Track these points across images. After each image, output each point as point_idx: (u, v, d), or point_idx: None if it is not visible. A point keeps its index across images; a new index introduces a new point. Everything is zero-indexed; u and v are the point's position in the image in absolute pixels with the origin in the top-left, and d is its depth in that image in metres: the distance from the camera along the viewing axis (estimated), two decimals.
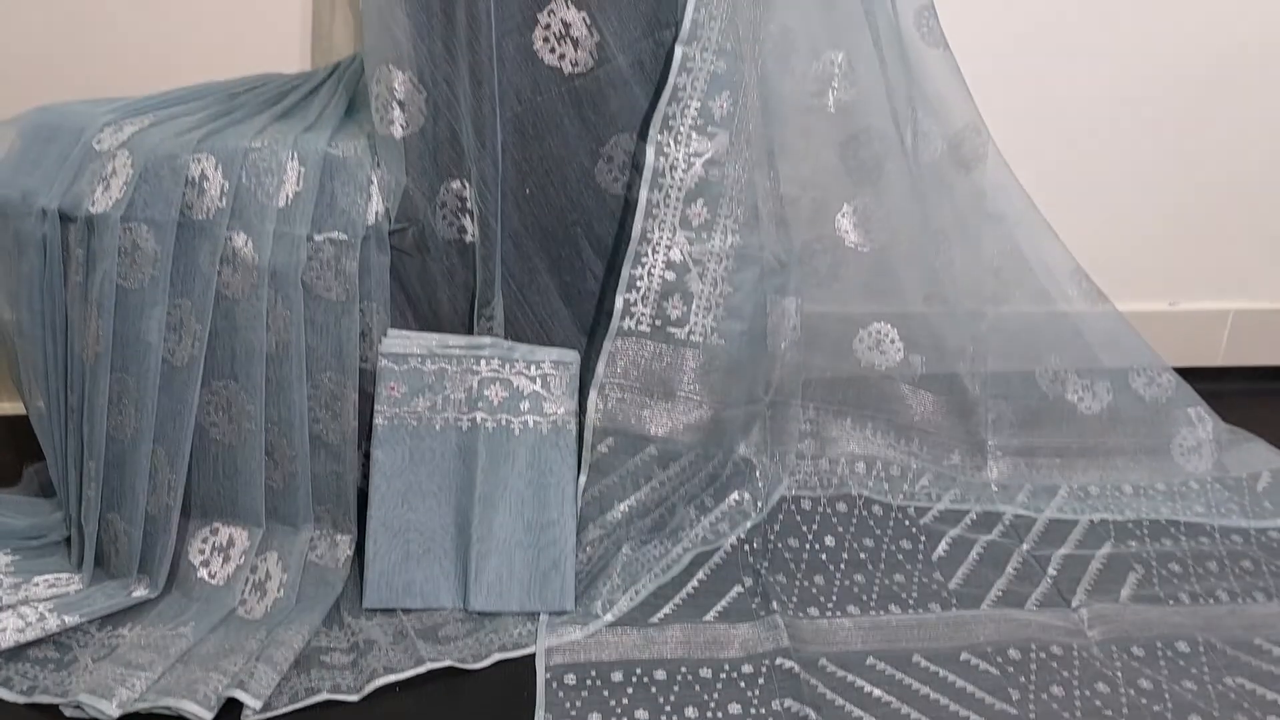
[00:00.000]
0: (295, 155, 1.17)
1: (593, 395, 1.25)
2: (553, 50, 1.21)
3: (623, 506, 1.24)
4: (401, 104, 1.19)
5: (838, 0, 1.30)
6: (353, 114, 1.27)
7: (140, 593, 1.17)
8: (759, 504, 1.33)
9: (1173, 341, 1.52)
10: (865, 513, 1.35)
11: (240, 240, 1.14)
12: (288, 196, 1.16)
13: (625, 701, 1.07)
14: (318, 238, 1.16)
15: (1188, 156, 1.61)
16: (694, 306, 1.27)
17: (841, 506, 1.35)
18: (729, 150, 1.25)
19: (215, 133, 1.18)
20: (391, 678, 1.09)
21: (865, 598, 1.22)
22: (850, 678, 1.10)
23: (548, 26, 1.21)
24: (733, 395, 1.30)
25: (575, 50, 1.21)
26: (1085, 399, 1.44)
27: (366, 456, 1.22)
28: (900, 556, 1.28)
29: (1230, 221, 1.66)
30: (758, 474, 1.35)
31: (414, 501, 1.20)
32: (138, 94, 1.28)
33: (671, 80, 1.21)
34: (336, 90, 1.30)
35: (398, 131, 1.20)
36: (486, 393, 1.22)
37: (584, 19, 1.20)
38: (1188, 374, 1.47)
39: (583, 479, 1.24)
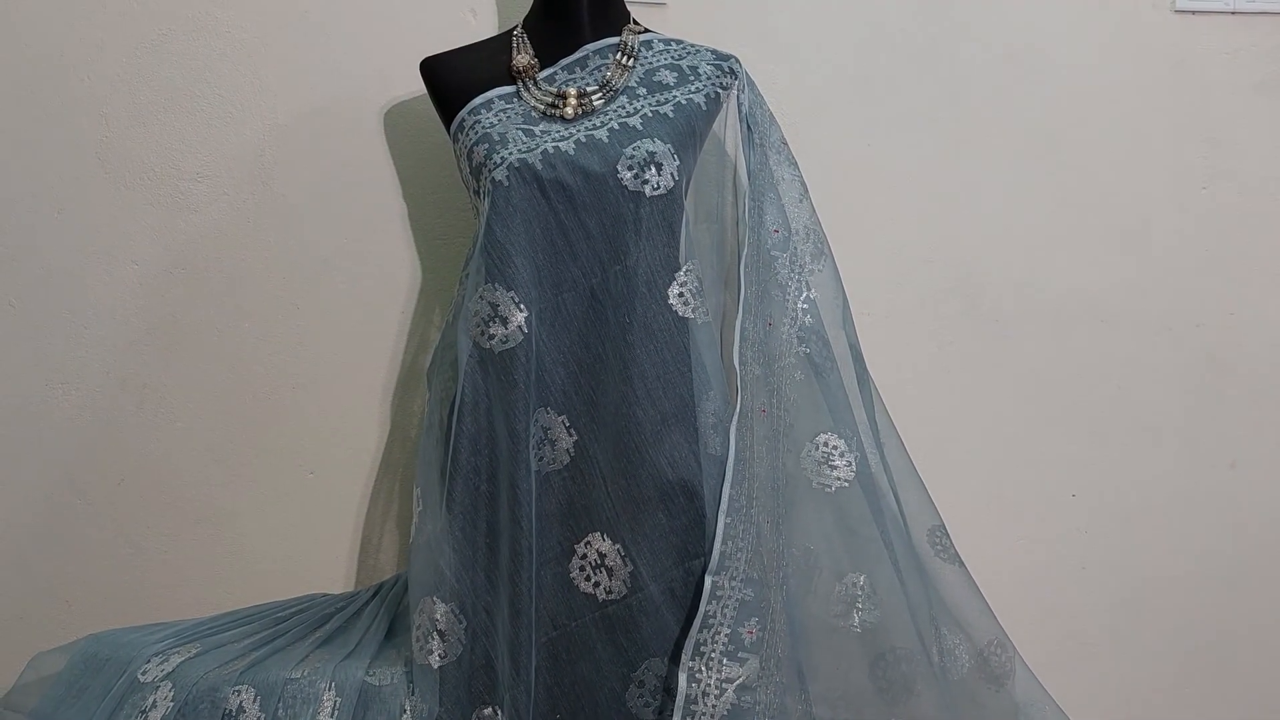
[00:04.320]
0: (333, 685, 1.19)
1: None
2: (588, 578, 1.28)
3: None
4: (441, 634, 1.23)
5: (856, 526, 1.38)
6: (393, 638, 1.31)
7: None
8: None
9: None
10: None
11: None
12: None
13: None
14: None
15: (1208, 685, 1.62)
16: None
17: None
18: (760, 675, 1.26)
19: (258, 663, 1.21)
20: None
21: None
22: None
23: (584, 556, 1.28)
24: None
25: (609, 579, 1.27)
26: None
27: None
28: None
29: None
30: None
31: None
32: (194, 614, 1.34)
33: (702, 608, 1.26)
34: (378, 614, 1.34)
35: (435, 661, 1.23)
36: None
37: (618, 550, 1.27)
38: None
39: None
